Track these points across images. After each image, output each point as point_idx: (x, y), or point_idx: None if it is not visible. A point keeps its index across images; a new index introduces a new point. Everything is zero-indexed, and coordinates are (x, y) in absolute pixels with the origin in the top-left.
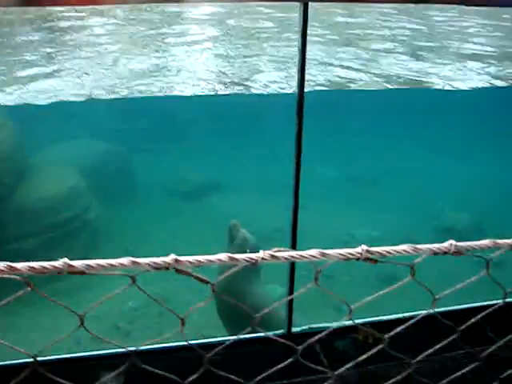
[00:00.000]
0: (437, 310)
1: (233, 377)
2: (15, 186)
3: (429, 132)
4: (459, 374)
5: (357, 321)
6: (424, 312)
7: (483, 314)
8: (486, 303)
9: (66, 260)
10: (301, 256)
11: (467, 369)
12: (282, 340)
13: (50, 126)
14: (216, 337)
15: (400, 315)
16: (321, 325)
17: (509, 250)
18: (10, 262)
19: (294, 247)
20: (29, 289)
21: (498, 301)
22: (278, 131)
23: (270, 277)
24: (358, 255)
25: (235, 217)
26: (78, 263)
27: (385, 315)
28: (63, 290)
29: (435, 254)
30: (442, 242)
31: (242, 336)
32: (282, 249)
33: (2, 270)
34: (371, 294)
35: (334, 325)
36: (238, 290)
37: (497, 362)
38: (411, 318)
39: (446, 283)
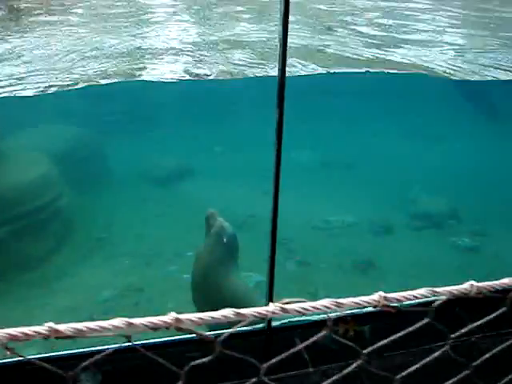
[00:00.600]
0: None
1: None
2: None
3: (404, 117)
4: (431, 358)
5: (336, 313)
6: (404, 303)
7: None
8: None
9: (51, 324)
10: (313, 307)
11: (437, 354)
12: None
13: (19, 113)
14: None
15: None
16: (301, 318)
17: None
18: None
19: (273, 235)
20: (8, 353)
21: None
22: (252, 116)
23: (246, 264)
24: (375, 303)
25: (209, 202)
26: (64, 327)
27: (365, 308)
28: (35, 280)
29: (455, 296)
30: (420, 229)
31: (220, 331)
32: (291, 300)
33: None
34: (348, 281)
35: (314, 318)
36: (216, 279)
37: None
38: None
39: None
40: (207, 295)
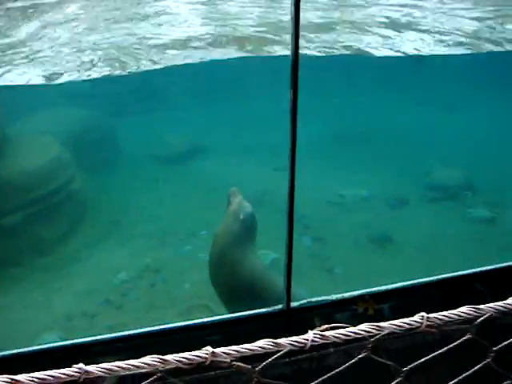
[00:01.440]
0: (436, 277)
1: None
2: None
3: (419, 88)
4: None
5: (356, 292)
6: (424, 280)
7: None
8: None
9: (81, 366)
10: (354, 333)
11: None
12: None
13: (29, 96)
14: (212, 315)
15: (399, 284)
16: (320, 298)
17: None
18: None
19: (291, 213)
20: None
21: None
22: (263, 93)
23: (261, 242)
24: (418, 324)
25: (222, 180)
26: (95, 368)
27: (384, 285)
28: (50, 264)
29: (498, 312)
30: (436, 201)
31: (238, 314)
32: (331, 325)
33: None
34: (364, 255)
35: (333, 297)
36: (233, 257)
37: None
38: (409, 287)
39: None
40: (225, 274)
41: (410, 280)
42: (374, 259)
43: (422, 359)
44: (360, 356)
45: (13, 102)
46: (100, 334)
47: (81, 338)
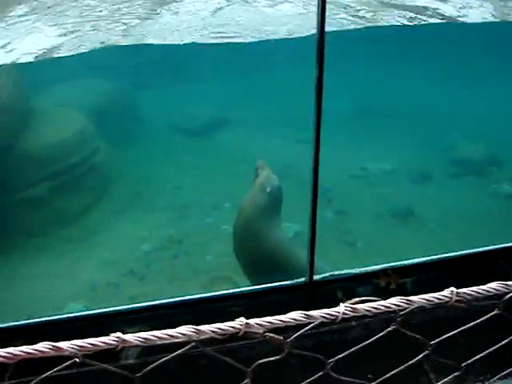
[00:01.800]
0: (459, 252)
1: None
2: (18, 133)
3: (443, 62)
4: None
5: (378, 266)
6: (446, 255)
7: None
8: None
9: (119, 334)
10: (384, 306)
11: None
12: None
13: (51, 68)
14: (235, 287)
15: (422, 259)
16: (342, 271)
17: None
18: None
19: (315, 186)
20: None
21: None
22: (286, 66)
23: (283, 214)
24: (447, 299)
25: (245, 153)
26: (132, 337)
27: (406, 259)
28: (74, 235)
29: None
30: (460, 176)
31: (261, 286)
32: (361, 299)
33: (46, 351)
34: (387, 230)
35: (356, 271)
36: (258, 230)
37: None
38: (432, 262)
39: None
40: (249, 246)
41: (432, 255)
42: (396, 233)
43: (450, 333)
44: (389, 329)
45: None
46: (124, 304)
47: (105, 307)
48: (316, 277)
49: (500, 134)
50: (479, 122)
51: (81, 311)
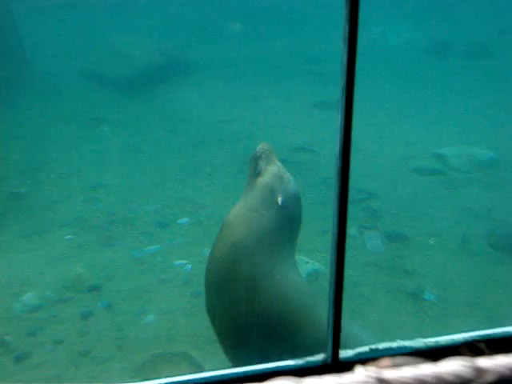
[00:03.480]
0: None
1: None
2: None
3: None
4: None
5: (459, 336)
6: None
7: None
8: None
9: None
10: None
11: None
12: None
13: None
14: (202, 371)
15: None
16: (393, 344)
17: None
18: None
19: (343, 192)
20: None
21: None
22: None
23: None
24: None
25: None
26: None
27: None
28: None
29: None
30: None
31: (267, 366)
32: None
33: None
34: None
35: (419, 344)
36: (257, 272)
37: None
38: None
39: None
40: (237, 300)
41: None
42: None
43: None
44: None
45: None
46: None
47: None
48: (345, 353)
49: None
50: None
51: None
